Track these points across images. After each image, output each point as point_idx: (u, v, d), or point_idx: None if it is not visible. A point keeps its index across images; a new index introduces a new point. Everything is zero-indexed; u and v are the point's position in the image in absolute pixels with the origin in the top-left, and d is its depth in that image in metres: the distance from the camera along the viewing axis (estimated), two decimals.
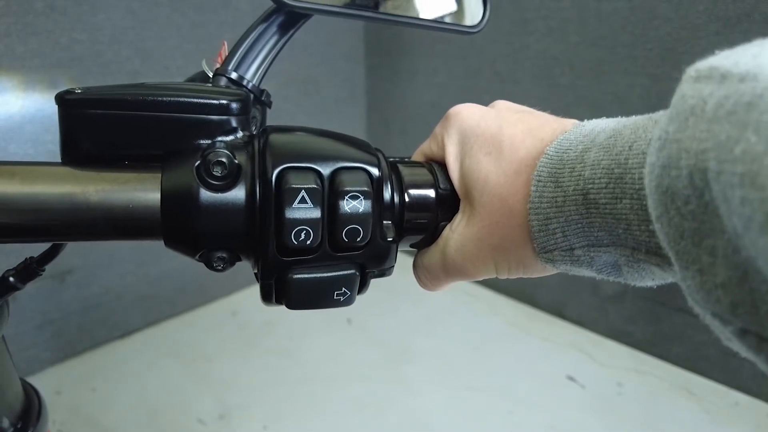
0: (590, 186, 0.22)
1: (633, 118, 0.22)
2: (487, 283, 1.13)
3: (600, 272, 0.24)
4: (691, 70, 0.17)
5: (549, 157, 0.24)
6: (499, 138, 0.26)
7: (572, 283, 1.00)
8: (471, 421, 0.75)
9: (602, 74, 0.88)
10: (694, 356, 0.86)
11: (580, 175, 0.22)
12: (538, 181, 0.23)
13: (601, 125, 0.23)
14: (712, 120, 0.15)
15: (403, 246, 0.30)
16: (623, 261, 0.22)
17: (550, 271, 0.26)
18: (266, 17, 0.31)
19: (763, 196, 0.13)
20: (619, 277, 0.24)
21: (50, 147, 0.78)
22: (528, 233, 0.24)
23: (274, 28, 0.31)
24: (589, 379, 0.84)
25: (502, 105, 0.29)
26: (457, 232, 0.27)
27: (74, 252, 0.84)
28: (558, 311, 1.03)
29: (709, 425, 0.75)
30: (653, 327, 0.90)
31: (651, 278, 0.23)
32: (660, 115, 0.21)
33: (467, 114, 0.28)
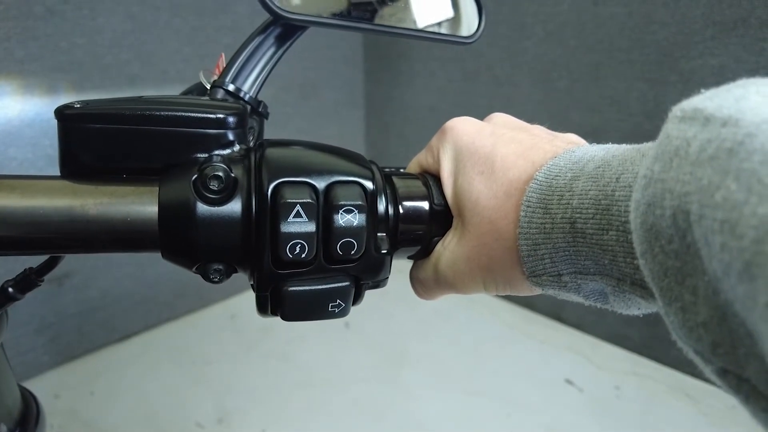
0: (578, 215, 0.22)
1: (622, 148, 0.23)
2: None
3: (587, 298, 0.24)
4: (677, 110, 0.18)
5: (539, 183, 0.24)
6: (492, 158, 0.26)
7: None
8: (469, 425, 0.76)
9: (600, 78, 0.88)
10: (691, 359, 0.86)
11: (568, 204, 0.22)
12: (528, 206, 0.24)
13: (591, 153, 0.24)
14: (695, 163, 0.15)
15: (399, 257, 0.30)
16: (609, 290, 0.22)
17: (537, 291, 0.26)
18: (263, 29, 0.31)
19: (742, 245, 0.13)
20: (606, 304, 0.24)
21: (49, 151, 0.78)
22: (517, 257, 0.25)
23: (271, 40, 0.31)
24: (587, 383, 0.84)
25: (498, 119, 0.29)
26: (448, 250, 0.27)
27: (72, 256, 0.84)
28: (556, 314, 1.03)
29: (706, 428, 0.76)
30: (651, 330, 0.91)
31: (637, 308, 0.23)
32: (647, 148, 0.21)
33: (463, 130, 0.28)
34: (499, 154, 0.26)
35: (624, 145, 0.23)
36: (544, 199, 0.23)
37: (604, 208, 0.21)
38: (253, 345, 0.93)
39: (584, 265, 0.23)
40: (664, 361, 0.89)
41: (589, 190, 0.22)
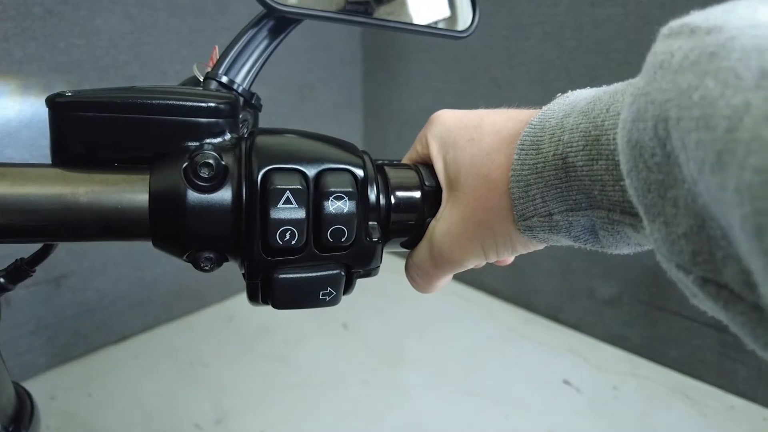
0: (569, 150, 0.22)
1: (614, 85, 0.23)
2: (483, 287, 1.13)
3: (577, 239, 0.24)
4: (665, 29, 0.18)
5: (532, 126, 0.24)
6: (480, 125, 0.27)
7: (569, 288, 1.00)
8: (467, 426, 0.75)
9: (597, 79, 0.88)
10: (690, 360, 0.86)
11: (559, 140, 0.23)
12: (521, 149, 0.24)
13: (584, 94, 0.24)
14: (677, 71, 0.16)
15: (393, 247, 0.30)
16: (599, 224, 0.23)
17: (535, 245, 0.26)
18: (256, 22, 0.31)
19: (714, 137, 0.13)
20: (596, 244, 0.24)
21: (47, 152, 0.77)
22: (509, 202, 0.25)
23: (264, 33, 0.31)
24: (585, 383, 0.84)
25: (481, 109, 0.30)
26: (442, 218, 0.28)
27: (69, 257, 0.84)
28: (554, 315, 1.03)
29: (705, 429, 0.75)
30: (649, 331, 0.90)
31: (626, 243, 0.23)
32: (636, 78, 0.21)
33: (449, 114, 0.29)
34: (487, 121, 0.27)
35: (616, 83, 0.23)
36: (536, 141, 0.24)
37: (593, 138, 0.21)
38: (250, 346, 0.92)
39: (575, 200, 0.23)
40: (662, 362, 0.89)
41: (580, 123, 0.22)
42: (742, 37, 0.14)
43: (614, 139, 0.20)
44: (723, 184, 0.13)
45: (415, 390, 0.82)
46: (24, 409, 0.35)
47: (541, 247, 0.27)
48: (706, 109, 0.14)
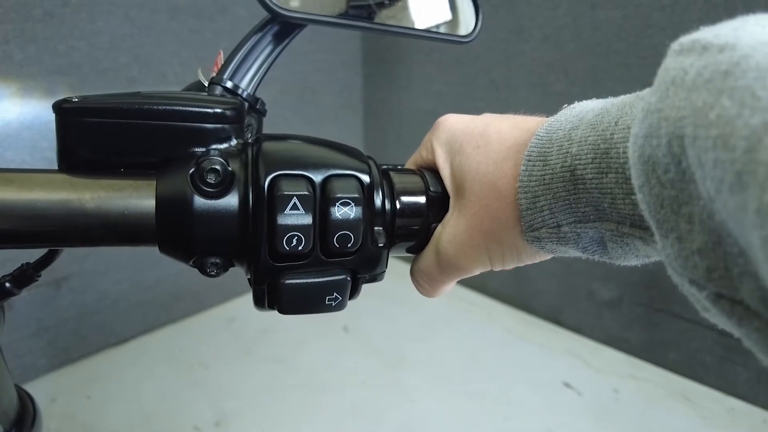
0: (577, 162, 0.22)
1: (621, 97, 0.23)
2: (484, 290, 1.13)
3: (585, 251, 0.24)
4: (675, 44, 0.18)
5: (539, 137, 0.24)
6: (486, 133, 0.27)
7: (569, 290, 1.00)
8: (467, 428, 0.75)
9: (597, 81, 0.89)
10: (690, 362, 0.86)
11: (567, 152, 0.23)
12: (528, 160, 0.24)
13: (591, 106, 0.24)
14: (691, 89, 0.16)
15: (398, 252, 0.30)
16: (608, 236, 0.23)
17: (542, 255, 0.26)
18: (261, 27, 0.31)
19: (734, 157, 0.13)
20: (604, 255, 0.24)
21: (47, 154, 0.78)
22: (517, 213, 0.25)
23: (268, 38, 0.31)
24: (585, 386, 0.84)
25: (486, 114, 0.30)
26: (448, 225, 0.27)
27: (70, 259, 0.84)
28: (554, 318, 1.03)
29: (704, 430, 0.75)
30: (649, 333, 0.91)
31: (635, 255, 0.23)
32: (646, 92, 0.21)
33: (455, 119, 0.29)
34: (493, 128, 0.27)
35: (623, 95, 0.23)
36: (543, 152, 0.24)
37: (603, 151, 0.21)
38: (251, 348, 0.92)
39: (584, 213, 0.23)
40: (662, 365, 0.89)
41: (588, 136, 0.22)
42: (757, 55, 0.14)
43: (624, 152, 0.20)
44: (743, 204, 0.13)
45: (415, 392, 0.82)
46: (26, 413, 0.35)
47: (548, 257, 0.27)
48: (724, 128, 0.14)
